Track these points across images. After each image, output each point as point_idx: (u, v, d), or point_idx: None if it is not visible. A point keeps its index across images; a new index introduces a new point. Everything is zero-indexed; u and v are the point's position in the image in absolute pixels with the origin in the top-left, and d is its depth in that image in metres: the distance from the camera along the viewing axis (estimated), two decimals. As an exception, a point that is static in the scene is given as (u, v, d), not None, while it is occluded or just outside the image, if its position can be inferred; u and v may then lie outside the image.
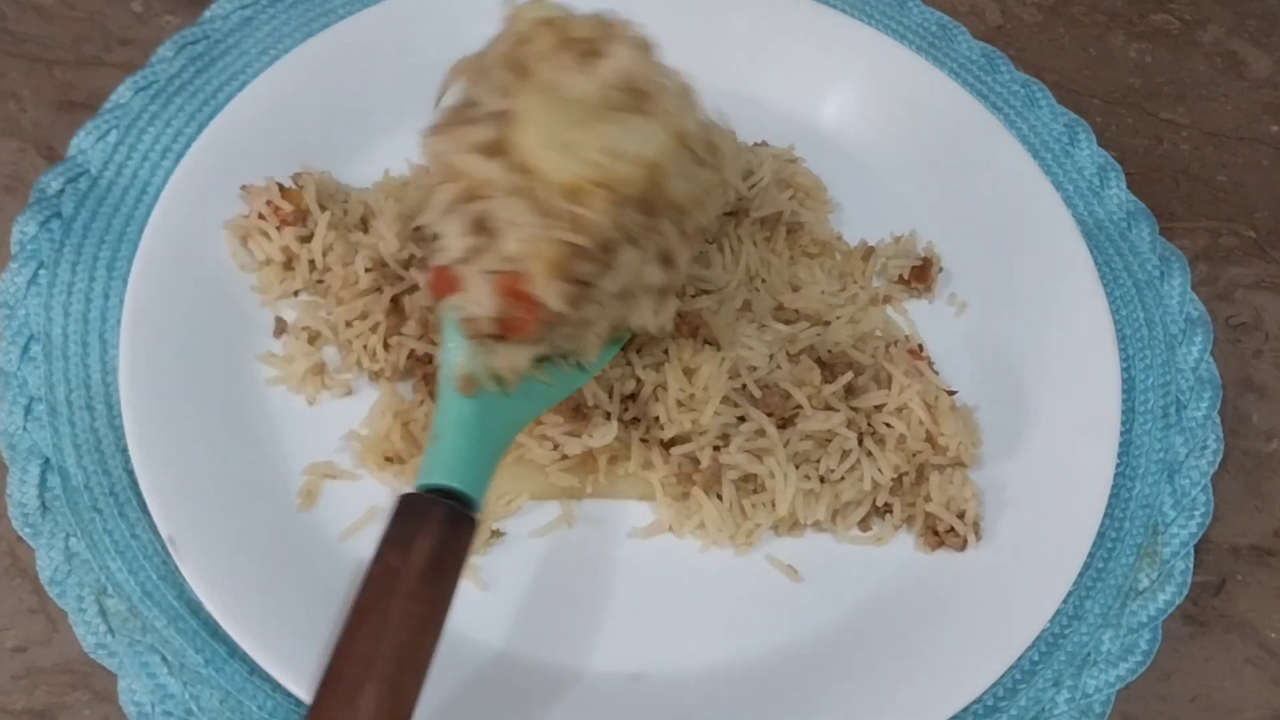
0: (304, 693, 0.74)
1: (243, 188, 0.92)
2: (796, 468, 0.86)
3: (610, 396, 0.86)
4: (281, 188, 0.91)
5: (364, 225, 0.93)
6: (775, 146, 1.01)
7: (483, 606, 0.82)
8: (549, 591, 0.84)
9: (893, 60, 1.07)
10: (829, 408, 0.88)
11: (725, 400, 0.86)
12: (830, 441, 0.87)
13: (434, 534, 0.67)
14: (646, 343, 0.87)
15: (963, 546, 0.86)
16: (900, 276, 0.99)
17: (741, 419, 0.87)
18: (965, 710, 0.81)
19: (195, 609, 0.79)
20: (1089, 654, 0.87)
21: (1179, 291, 1.04)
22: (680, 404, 0.86)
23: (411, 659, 0.64)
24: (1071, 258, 0.97)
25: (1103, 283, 0.97)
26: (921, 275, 0.99)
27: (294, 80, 0.97)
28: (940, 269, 0.99)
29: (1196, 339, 1.01)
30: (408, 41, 1.01)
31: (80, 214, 0.94)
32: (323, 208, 0.91)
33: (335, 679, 0.62)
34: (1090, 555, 0.87)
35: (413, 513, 0.68)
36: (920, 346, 0.94)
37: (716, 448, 0.86)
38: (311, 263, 0.91)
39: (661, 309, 0.79)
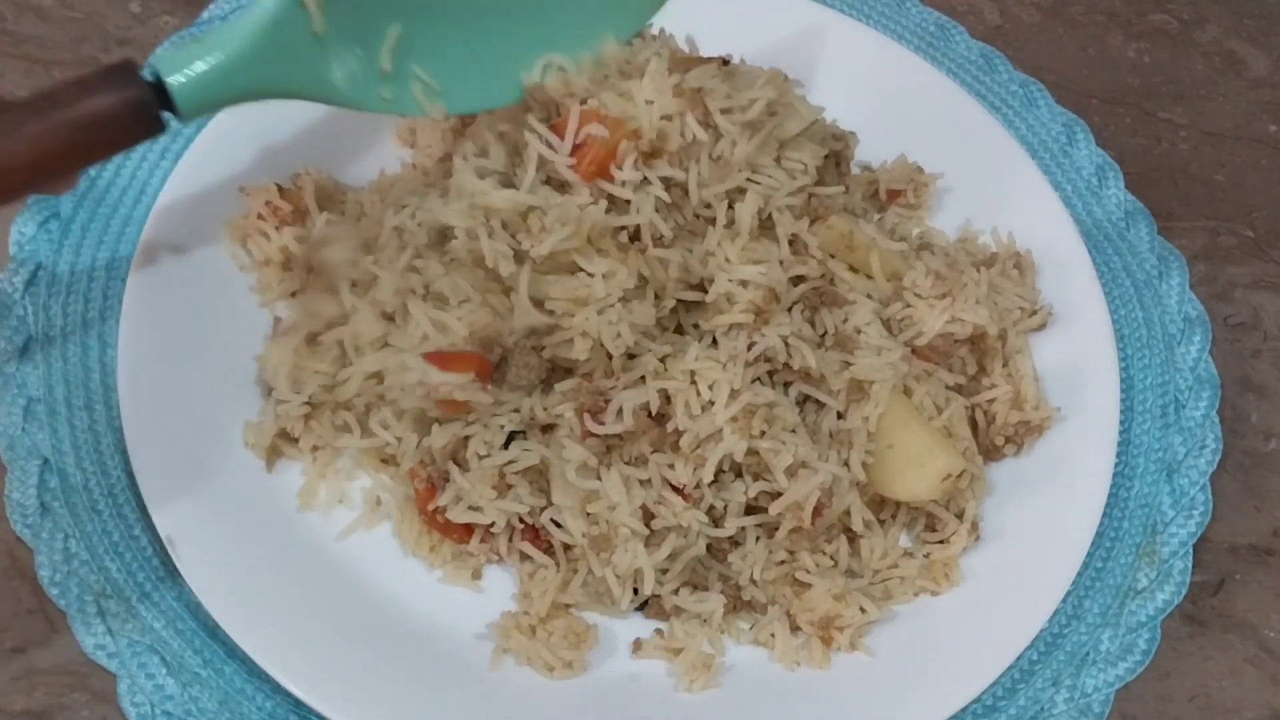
0: (303, 693, 0.74)
1: (242, 188, 0.91)
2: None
3: None
4: (280, 188, 0.91)
5: (360, 226, 0.93)
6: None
7: (482, 607, 0.82)
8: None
9: (891, 60, 1.07)
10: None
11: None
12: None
13: (114, 105, 0.65)
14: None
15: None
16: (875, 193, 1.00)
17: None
18: (964, 710, 0.81)
19: (194, 610, 0.79)
20: (1088, 653, 0.86)
21: (1177, 291, 1.04)
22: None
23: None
24: (1070, 258, 0.97)
25: (1101, 282, 0.97)
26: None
27: (293, 80, 0.97)
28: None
29: (1195, 338, 1.01)
30: (406, 42, 1.01)
31: (79, 214, 0.93)
32: (321, 208, 0.91)
33: None
34: (1089, 555, 0.87)
35: (117, 76, 0.66)
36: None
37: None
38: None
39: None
